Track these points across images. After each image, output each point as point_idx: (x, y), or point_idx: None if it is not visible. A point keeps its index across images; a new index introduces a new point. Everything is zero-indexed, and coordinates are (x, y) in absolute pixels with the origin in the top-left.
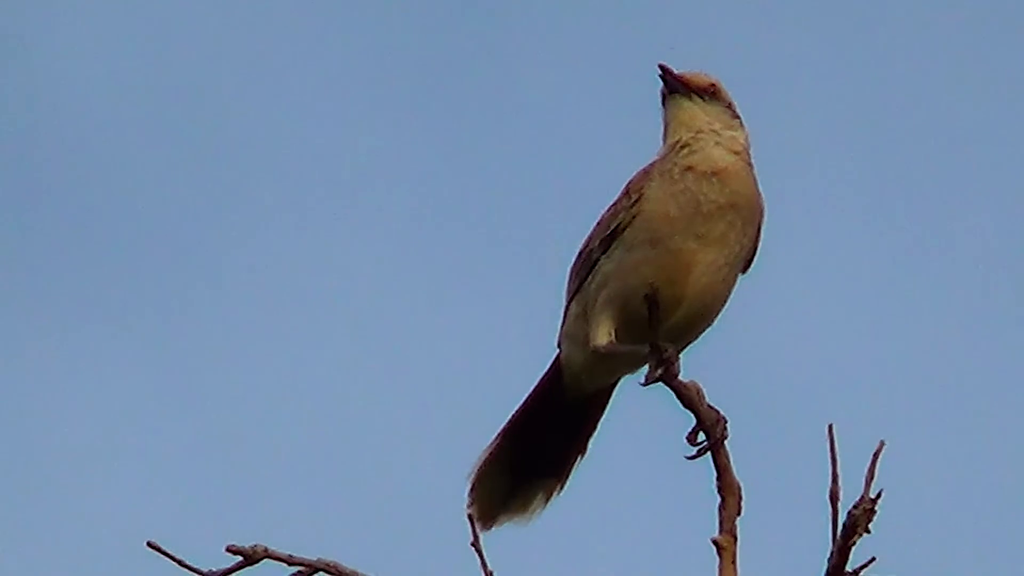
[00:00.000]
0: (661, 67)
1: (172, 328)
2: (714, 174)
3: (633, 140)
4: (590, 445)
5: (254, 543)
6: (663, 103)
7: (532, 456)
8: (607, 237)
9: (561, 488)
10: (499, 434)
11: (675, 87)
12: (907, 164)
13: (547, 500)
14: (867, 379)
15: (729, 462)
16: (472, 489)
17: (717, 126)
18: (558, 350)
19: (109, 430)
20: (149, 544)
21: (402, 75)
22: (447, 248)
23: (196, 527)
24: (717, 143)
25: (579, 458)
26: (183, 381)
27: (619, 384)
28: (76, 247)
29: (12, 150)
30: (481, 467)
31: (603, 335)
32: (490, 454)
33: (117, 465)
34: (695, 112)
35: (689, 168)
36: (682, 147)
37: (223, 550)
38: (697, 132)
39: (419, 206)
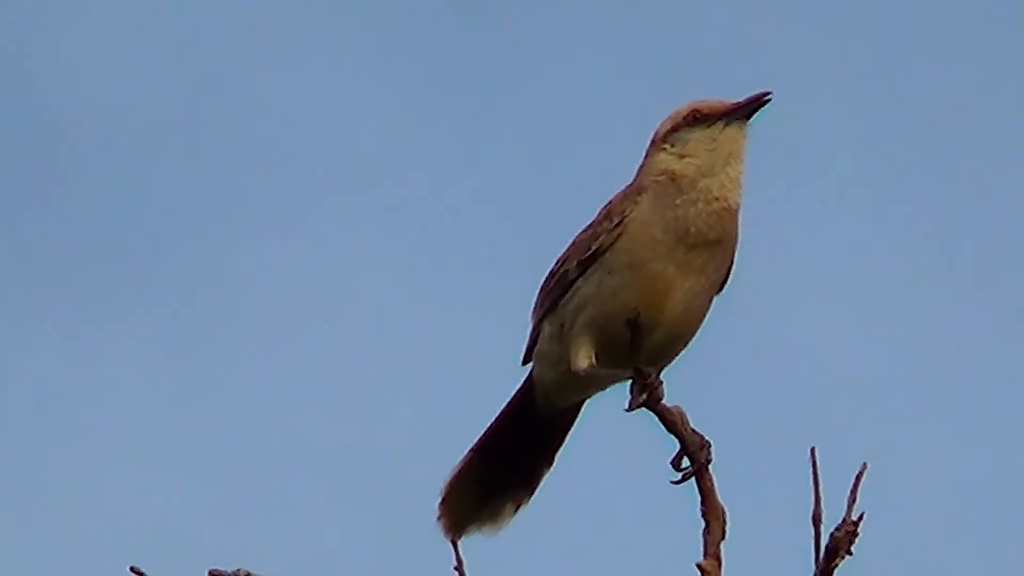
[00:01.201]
0: (768, 94)
1: (173, 333)
2: (725, 210)
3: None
4: (557, 458)
5: (236, 567)
6: (721, 123)
7: (501, 470)
8: (585, 259)
9: (530, 498)
10: (471, 449)
11: (751, 111)
12: (906, 168)
13: (516, 509)
14: (850, 401)
15: (713, 486)
16: (442, 501)
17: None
18: (532, 368)
19: (94, 444)
20: (132, 569)
21: (412, 75)
22: (455, 249)
23: (179, 548)
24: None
25: (547, 470)
26: (168, 397)
27: (593, 402)
28: (88, 244)
29: (20, 149)
30: (451, 480)
31: (583, 358)
32: (461, 468)
33: (100, 482)
34: (744, 143)
35: (711, 199)
36: (717, 172)
37: (206, 573)
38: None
39: (425, 206)
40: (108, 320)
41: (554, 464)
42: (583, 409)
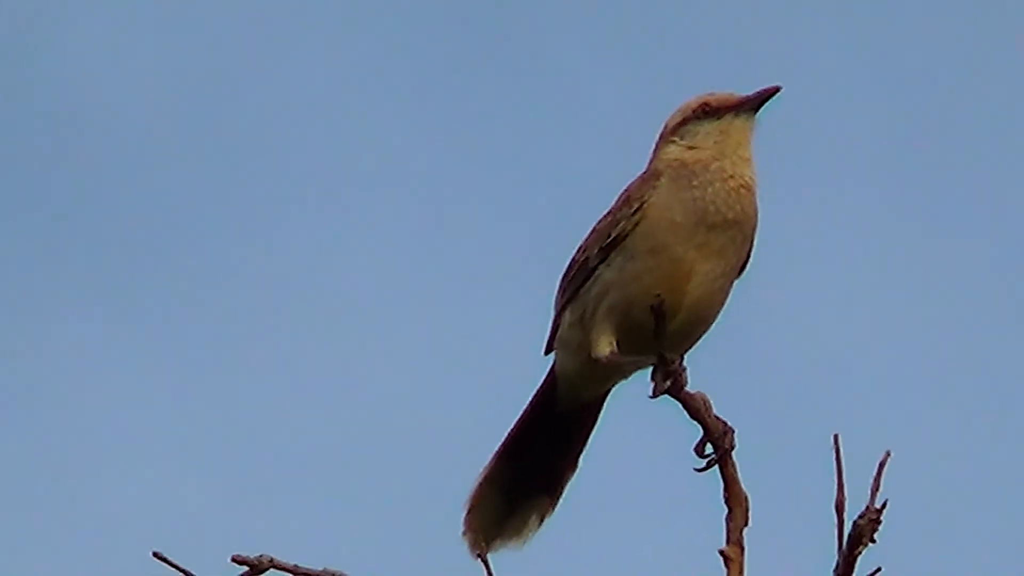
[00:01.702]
0: (778, 88)
1: (186, 329)
2: (742, 187)
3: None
4: (581, 462)
5: (260, 553)
6: (730, 115)
7: (526, 476)
8: (606, 246)
9: (554, 507)
10: (495, 455)
11: (759, 104)
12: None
13: (541, 521)
14: (873, 389)
15: (736, 473)
16: (468, 514)
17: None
18: (554, 358)
19: (116, 431)
20: (155, 554)
21: (424, 68)
22: (466, 245)
23: (203, 535)
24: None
25: (571, 475)
26: (191, 385)
27: (613, 395)
28: (102, 239)
29: (31, 144)
30: (476, 491)
31: (605, 345)
32: (485, 477)
33: (123, 470)
34: (752, 135)
35: (727, 176)
36: (728, 155)
37: (228, 560)
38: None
39: (434, 203)
40: (121, 313)
41: (578, 468)
42: (606, 404)
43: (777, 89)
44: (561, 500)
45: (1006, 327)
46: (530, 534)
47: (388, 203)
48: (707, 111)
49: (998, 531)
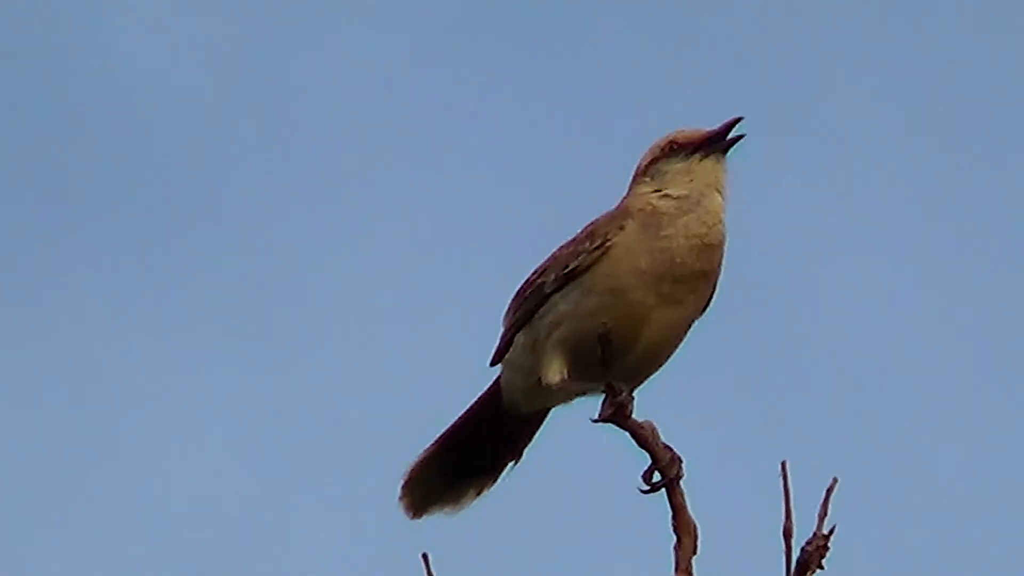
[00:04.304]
0: (739, 119)
1: (222, 314)
2: (709, 247)
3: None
4: (525, 453)
5: None
6: (698, 156)
7: (467, 459)
8: (563, 275)
9: (493, 484)
10: (436, 440)
11: (728, 145)
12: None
13: (478, 494)
14: (820, 416)
15: (684, 501)
16: (405, 482)
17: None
18: (501, 373)
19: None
20: None
21: (446, 57)
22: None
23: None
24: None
25: (513, 462)
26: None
27: (564, 414)
28: (131, 228)
29: (71, 126)
30: (415, 464)
31: (555, 373)
32: (425, 456)
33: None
34: (724, 176)
35: (692, 235)
36: (695, 207)
37: None
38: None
39: (475, 183)
40: (146, 300)
41: (522, 458)
42: (549, 415)
43: (738, 120)
44: (500, 480)
45: (964, 348)
46: (467, 503)
47: (426, 188)
48: (675, 149)
49: (947, 557)
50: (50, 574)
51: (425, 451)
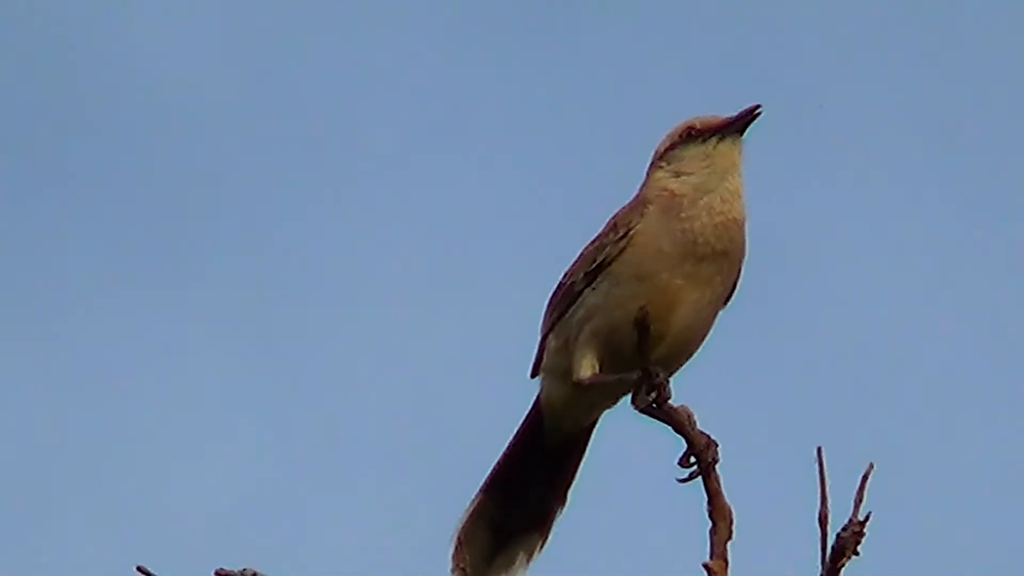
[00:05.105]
0: (758, 107)
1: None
2: (728, 225)
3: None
4: (569, 496)
5: (243, 567)
6: (715, 139)
7: (513, 511)
8: (592, 271)
9: (543, 545)
10: (480, 489)
11: (743, 126)
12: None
13: (529, 559)
14: (856, 401)
15: (720, 486)
16: (456, 551)
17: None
18: (539, 386)
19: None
20: (139, 568)
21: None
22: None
23: (186, 549)
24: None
25: (560, 510)
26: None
27: (598, 426)
28: (160, 213)
29: (93, 117)
30: (463, 528)
31: (587, 367)
32: (471, 513)
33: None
34: (739, 158)
35: (715, 212)
36: (713, 188)
37: (212, 574)
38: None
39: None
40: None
41: (567, 503)
42: (592, 437)
43: (757, 108)
44: (550, 536)
45: (992, 333)
46: (519, 572)
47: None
48: (692, 135)
49: (982, 542)
50: (66, 570)
51: (471, 505)
